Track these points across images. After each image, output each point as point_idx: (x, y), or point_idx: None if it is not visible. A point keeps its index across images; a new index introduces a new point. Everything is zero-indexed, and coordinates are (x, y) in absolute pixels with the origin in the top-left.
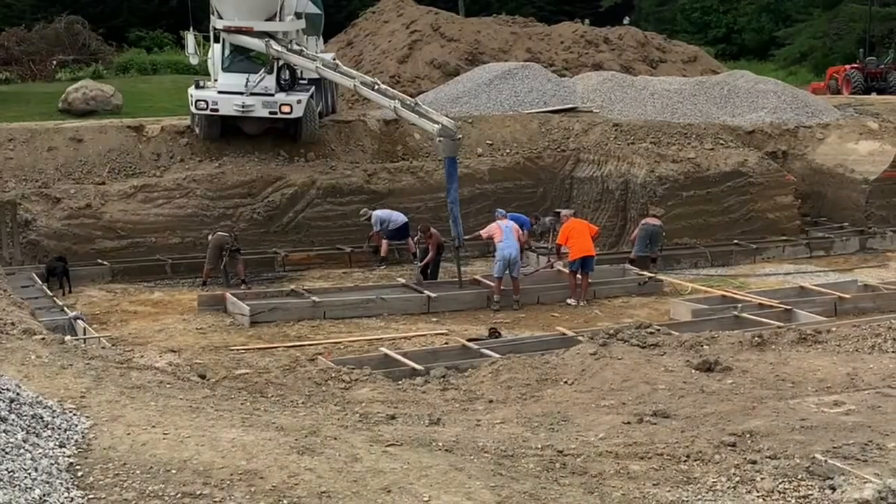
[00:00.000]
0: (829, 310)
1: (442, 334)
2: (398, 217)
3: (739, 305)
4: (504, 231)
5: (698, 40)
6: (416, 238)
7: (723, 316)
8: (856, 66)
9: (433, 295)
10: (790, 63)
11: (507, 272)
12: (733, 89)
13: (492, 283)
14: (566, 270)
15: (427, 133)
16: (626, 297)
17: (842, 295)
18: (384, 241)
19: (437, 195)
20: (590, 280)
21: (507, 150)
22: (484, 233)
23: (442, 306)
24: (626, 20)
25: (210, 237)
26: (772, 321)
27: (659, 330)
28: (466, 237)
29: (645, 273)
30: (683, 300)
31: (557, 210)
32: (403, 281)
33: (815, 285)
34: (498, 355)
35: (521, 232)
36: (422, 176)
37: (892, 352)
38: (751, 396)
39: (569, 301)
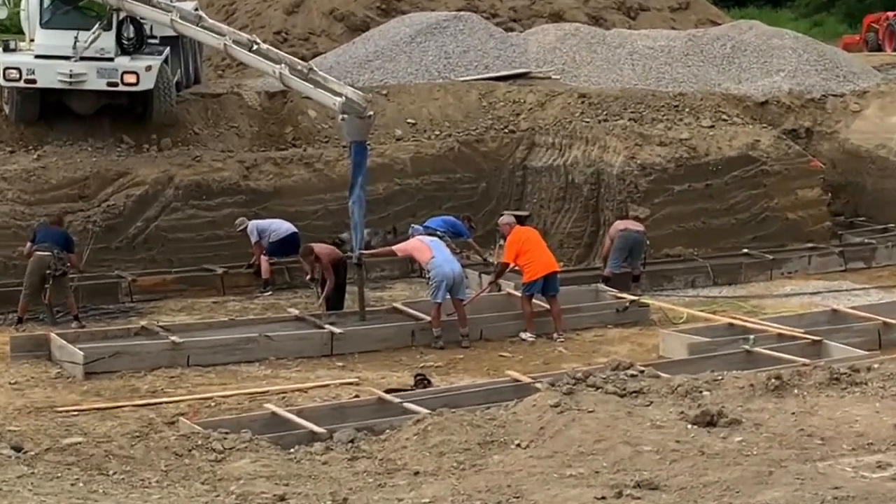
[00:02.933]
0: (871, 340)
1: (351, 384)
2: (281, 226)
3: (751, 337)
4: (432, 246)
5: None
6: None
7: (729, 351)
8: None
9: (338, 331)
10: (814, 11)
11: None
12: (739, 46)
13: (416, 312)
14: (516, 293)
15: (326, 109)
16: (599, 330)
17: (888, 321)
18: (263, 259)
19: (342, 194)
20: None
21: (437, 132)
22: (399, 249)
23: (351, 346)
24: None
25: (27, 252)
26: (794, 357)
27: (643, 372)
28: (371, 251)
29: (625, 295)
30: (676, 331)
31: (510, 212)
32: (297, 312)
33: (852, 308)
34: (427, 411)
35: (453, 246)
36: (319, 168)
37: None
38: (766, 459)
39: (523, 336)
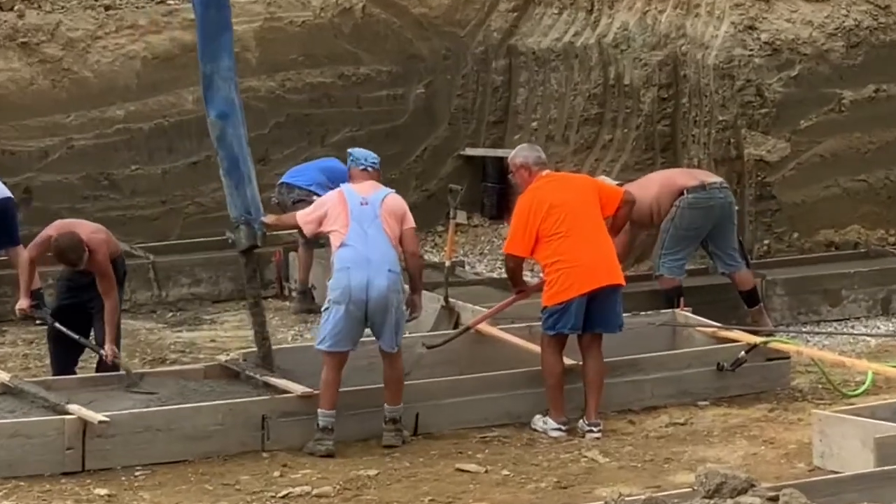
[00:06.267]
0: None
1: None
2: None
3: None
4: (352, 212)
5: None
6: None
7: None
8: None
9: (99, 417)
10: None
11: (352, 337)
12: None
13: (278, 381)
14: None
15: None
16: (679, 410)
17: None
18: None
19: (113, 115)
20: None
21: None
22: (305, 218)
23: (122, 452)
24: None
25: None
26: None
27: (778, 498)
28: (272, 219)
29: (735, 334)
30: (848, 411)
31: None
32: (4, 378)
33: None
34: None
35: (405, 218)
36: (74, 74)
37: None
38: None
39: (540, 425)
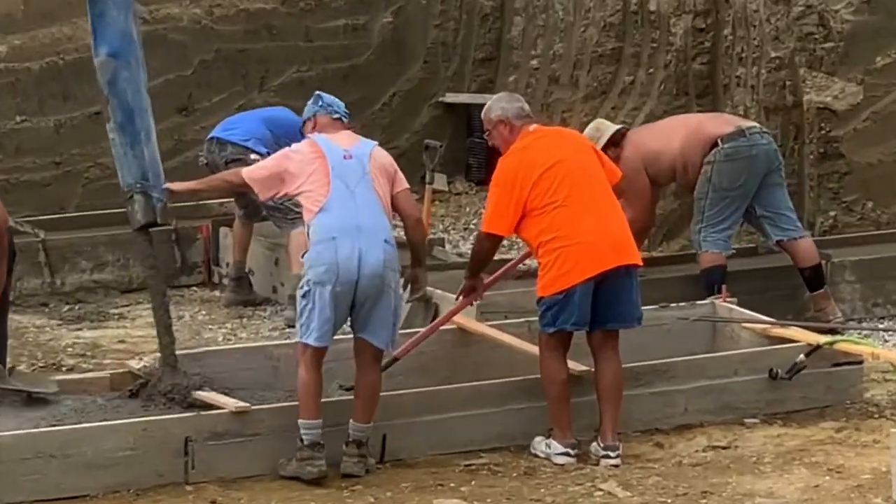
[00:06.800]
0: None
1: None
2: None
3: None
4: (334, 168)
5: None
6: None
7: None
8: None
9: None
10: None
11: (337, 328)
12: None
13: (214, 399)
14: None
15: None
16: (719, 429)
17: None
18: None
19: None
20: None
21: None
22: (258, 174)
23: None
24: None
25: None
26: None
27: None
28: (185, 185)
29: (791, 333)
30: None
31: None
32: None
33: None
34: None
35: (397, 177)
36: None
37: None
38: None
39: (541, 449)
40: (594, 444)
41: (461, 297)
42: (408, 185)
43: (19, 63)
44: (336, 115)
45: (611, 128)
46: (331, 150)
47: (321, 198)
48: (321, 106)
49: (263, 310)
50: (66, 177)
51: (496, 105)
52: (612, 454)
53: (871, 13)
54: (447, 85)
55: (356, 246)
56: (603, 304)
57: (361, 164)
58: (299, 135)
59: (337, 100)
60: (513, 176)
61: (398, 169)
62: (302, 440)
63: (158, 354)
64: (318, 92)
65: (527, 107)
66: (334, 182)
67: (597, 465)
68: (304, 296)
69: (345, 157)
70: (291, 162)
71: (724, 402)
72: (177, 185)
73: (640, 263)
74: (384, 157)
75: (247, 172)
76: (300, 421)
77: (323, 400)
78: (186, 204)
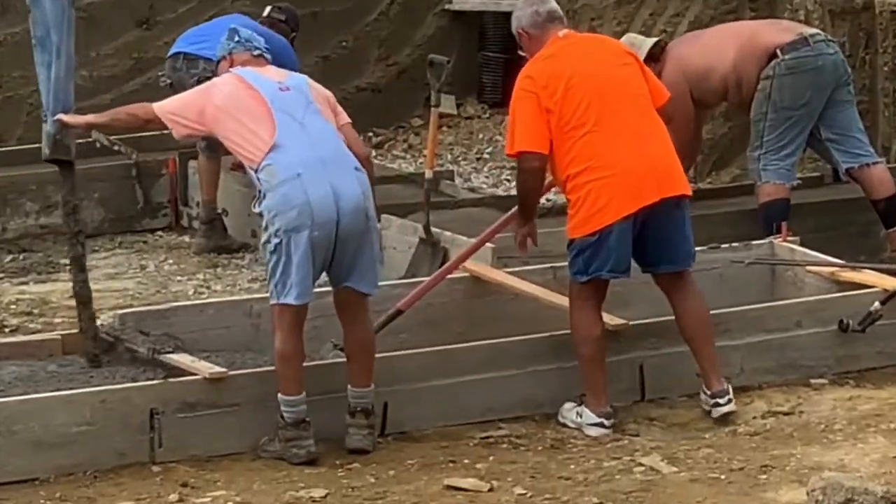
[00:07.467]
0: None
1: None
2: None
3: None
4: (272, 101)
5: None
6: None
7: None
8: None
9: None
10: None
11: (315, 280)
12: None
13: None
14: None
15: None
16: (779, 391)
17: None
18: None
19: None
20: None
21: None
22: (170, 108)
23: None
24: None
25: None
26: None
27: None
28: (94, 117)
29: (867, 277)
30: None
31: None
32: None
33: None
34: None
35: (338, 109)
36: None
37: None
38: None
39: (572, 418)
40: (701, 394)
41: (519, 250)
42: (350, 120)
43: None
44: (257, 52)
45: (647, 42)
46: (262, 83)
47: (267, 136)
48: (238, 42)
49: (241, 257)
50: (5, 103)
51: (515, 13)
52: (721, 401)
53: None
54: None
55: (326, 180)
56: (651, 245)
57: (302, 93)
58: (288, 49)
59: (256, 34)
60: (533, 86)
61: (337, 102)
62: (283, 419)
63: (121, 311)
64: (233, 25)
65: (552, 6)
66: (277, 115)
67: (709, 414)
68: (273, 251)
69: (280, 90)
70: (216, 95)
71: (787, 359)
72: (72, 118)
73: (690, 194)
74: (322, 88)
75: (159, 106)
76: (281, 396)
77: (316, 363)
78: (151, 133)
